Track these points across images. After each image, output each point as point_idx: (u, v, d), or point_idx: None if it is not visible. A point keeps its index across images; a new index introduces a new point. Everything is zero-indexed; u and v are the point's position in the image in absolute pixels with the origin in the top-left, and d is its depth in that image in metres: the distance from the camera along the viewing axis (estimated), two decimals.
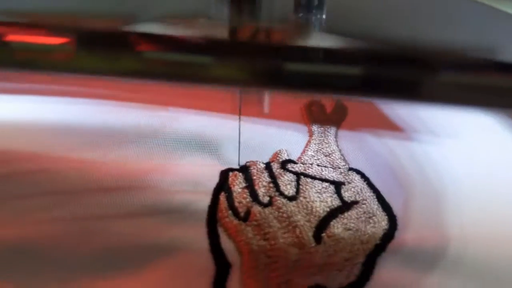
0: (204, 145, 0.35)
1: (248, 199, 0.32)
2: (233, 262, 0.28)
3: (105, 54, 0.21)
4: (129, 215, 0.30)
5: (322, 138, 0.37)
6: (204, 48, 0.21)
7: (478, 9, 0.39)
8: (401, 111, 0.39)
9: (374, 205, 0.32)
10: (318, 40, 0.32)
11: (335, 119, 0.39)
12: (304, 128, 0.38)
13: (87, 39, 0.21)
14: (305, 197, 0.32)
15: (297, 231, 0.30)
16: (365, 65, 0.20)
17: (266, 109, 0.37)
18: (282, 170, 0.34)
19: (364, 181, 0.34)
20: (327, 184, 0.33)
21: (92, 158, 0.33)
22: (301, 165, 0.35)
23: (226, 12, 0.26)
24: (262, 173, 0.34)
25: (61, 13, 0.22)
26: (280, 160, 0.35)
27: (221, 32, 0.22)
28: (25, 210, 0.30)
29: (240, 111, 0.33)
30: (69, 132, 0.35)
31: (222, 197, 0.32)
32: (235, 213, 0.31)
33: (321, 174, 0.34)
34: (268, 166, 0.35)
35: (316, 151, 0.36)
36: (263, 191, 0.33)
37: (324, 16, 0.33)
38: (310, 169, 0.34)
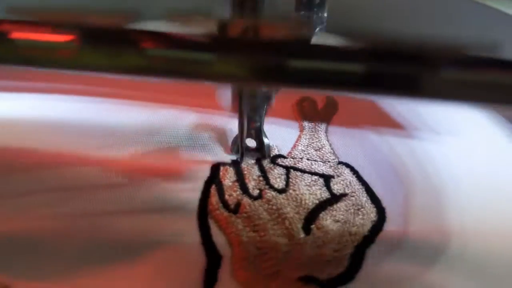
0: (196, 140, 0.36)
1: (238, 192, 0.32)
2: (224, 254, 0.29)
3: (109, 51, 0.22)
4: (121, 210, 0.30)
5: (312, 133, 0.38)
6: (207, 45, 0.21)
7: (477, 9, 0.39)
8: (401, 108, 0.39)
9: (363, 198, 0.32)
10: (320, 37, 0.32)
11: (326, 114, 0.39)
12: (295, 124, 0.39)
13: (91, 36, 0.22)
14: (294, 190, 0.33)
15: (287, 222, 0.30)
16: (366, 62, 0.21)
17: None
18: (272, 164, 0.35)
19: (354, 174, 0.34)
20: (316, 177, 0.34)
21: (96, 155, 0.33)
22: (291, 159, 0.35)
23: (228, 9, 0.26)
24: (253, 167, 0.34)
25: (65, 10, 0.22)
26: (271, 155, 0.36)
27: (223, 29, 0.23)
28: (28, 206, 0.30)
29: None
30: (71, 130, 0.35)
31: (213, 190, 0.32)
32: (226, 205, 0.31)
33: (311, 168, 0.35)
34: (258, 161, 0.35)
35: (307, 145, 0.37)
36: (253, 184, 0.33)
37: (325, 14, 0.33)
38: (300, 163, 0.35)
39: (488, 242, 0.30)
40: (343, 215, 0.31)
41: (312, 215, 0.31)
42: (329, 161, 0.35)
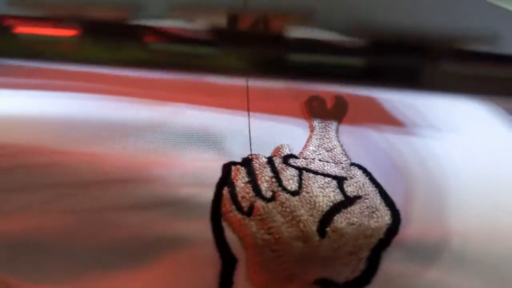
0: (207, 139, 0.35)
1: (251, 194, 0.32)
2: (239, 256, 0.28)
3: (111, 45, 0.21)
4: (134, 208, 0.30)
5: (323, 133, 0.37)
6: (208, 39, 0.21)
7: (479, 5, 0.39)
8: (402, 105, 0.39)
9: (377, 200, 0.32)
10: (320, 31, 0.32)
11: (336, 114, 0.39)
12: (305, 123, 0.38)
13: (94, 30, 0.21)
14: (307, 192, 0.32)
15: (301, 225, 0.30)
16: (366, 55, 0.21)
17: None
18: (284, 165, 0.34)
19: (366, 176, 0.34)
20: (329, 179, 0.33)
21: (99, 151, 0.32)
22: (303, 160, 0.35)
23: (229, 4, 0.25)
24: (264, 167, 0.34)
25: (67, 5, 0.22)
26: (282, 155, 0.35)
27: (224, 23, 0.22)
28: (32, 203, 0.30)
29: (248, 106, 0.33)
30: (77, 126, 0.34)
31: (225, 191, 0.32)
32: (239, 207, 0.31)
33: (323, 169, 0.34)
34: (270, 161, 0.34)
35: (318, 146, 0.36)
36: (266, 186, 0.32)
37: (325, 7, 0.33)
38: (312, 164, 0.35)
39: (489, 240, 0.30)
40: (357, 218, 0.31)
41: (327, 218, 0.31)
42: (341, 163, 0.35)
